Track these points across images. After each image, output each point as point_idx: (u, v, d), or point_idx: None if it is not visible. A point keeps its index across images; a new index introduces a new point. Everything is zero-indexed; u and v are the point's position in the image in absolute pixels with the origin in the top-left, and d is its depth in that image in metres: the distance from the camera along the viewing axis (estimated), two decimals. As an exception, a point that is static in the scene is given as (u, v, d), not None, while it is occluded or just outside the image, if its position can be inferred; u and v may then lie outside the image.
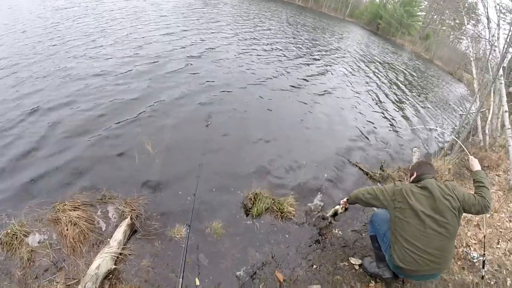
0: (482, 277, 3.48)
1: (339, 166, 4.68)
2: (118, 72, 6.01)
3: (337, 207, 3.13)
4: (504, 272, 3.84)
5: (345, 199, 3.04)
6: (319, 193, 3.98)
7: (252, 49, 9.88)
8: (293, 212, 3.43)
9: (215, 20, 13.21)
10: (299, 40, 13.46)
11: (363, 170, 4.61)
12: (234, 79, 6.94)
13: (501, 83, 7.81)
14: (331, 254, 3.10)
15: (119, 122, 4.45)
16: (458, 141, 5.15)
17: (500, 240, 4.16)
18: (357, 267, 3.02)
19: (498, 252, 3.97)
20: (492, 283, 3.58)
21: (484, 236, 3.48)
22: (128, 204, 3.13)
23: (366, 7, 44.00)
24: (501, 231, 4.36)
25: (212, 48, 8.88)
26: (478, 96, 9.18)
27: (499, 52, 6.14)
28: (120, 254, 2.65)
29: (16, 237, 2.61)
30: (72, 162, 3.65)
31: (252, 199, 3.44)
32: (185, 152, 4.09)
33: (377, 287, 2.90)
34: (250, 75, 7.44)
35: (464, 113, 10.00)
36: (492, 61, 8.67)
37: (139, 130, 4.35)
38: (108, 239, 2.74)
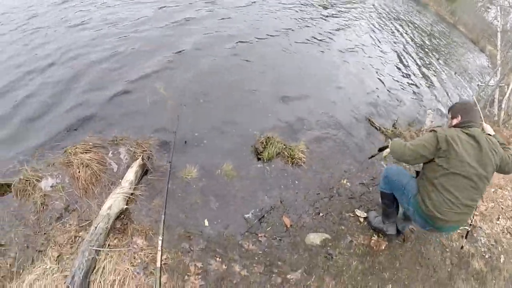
0: (462, 247, 3.62)
1: (354, 121, 4.64)
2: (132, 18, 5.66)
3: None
4: (499, 249, 4.01)
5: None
6: (328, 140, 3.92)
7: None
8: (304, 159, 3.39)
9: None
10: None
11: (375, 126, 4.57)
12: (254, 28, 6.52)
13: None
14: (337, 204, 3.16)
15: (132, 70, 4.38)
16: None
17: (500, 217, 4.28)
18: (361, 220, 3.09)
19: (497, 228, 4.11)
20: (486, 256, 3.72)
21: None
22: (140, 145, 3.12)
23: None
24: (502, 208, 4.48)
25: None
26: (499, 69, 9.04)
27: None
28: (132, 194, 2.69)
29: (29, 183, 2.62)
30: (82, 107, 3.61)
31: (264, 142, 3.45)
32: (200, 98, 4.01)
33: (379, 241, 2.97)
34: (273, 25, 6.99)
35: (483, 84, 9.85)
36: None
37: (154, 76, 4.28)
38: (120, 180, 2.77)
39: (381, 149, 2.92)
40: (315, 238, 2.81)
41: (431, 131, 2.34)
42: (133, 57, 4.59)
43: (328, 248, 2.78)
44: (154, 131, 3.39)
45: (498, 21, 12.41)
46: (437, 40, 14.52)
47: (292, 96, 4.53)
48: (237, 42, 5.53)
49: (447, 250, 3.41)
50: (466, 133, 2.22)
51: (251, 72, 4.87)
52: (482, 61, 16.15)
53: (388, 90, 6.32)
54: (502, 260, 3.92)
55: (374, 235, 3.00)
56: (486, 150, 2.18)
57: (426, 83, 8.25)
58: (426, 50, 11.53)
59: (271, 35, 6.27)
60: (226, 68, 4.71)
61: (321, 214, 3.00)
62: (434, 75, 9.23)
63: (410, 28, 13.46)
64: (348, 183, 3.41)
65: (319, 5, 9.77)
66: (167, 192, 2.44)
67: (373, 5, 13.88)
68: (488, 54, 16.88)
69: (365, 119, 4.75)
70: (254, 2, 7.81)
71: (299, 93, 4.67)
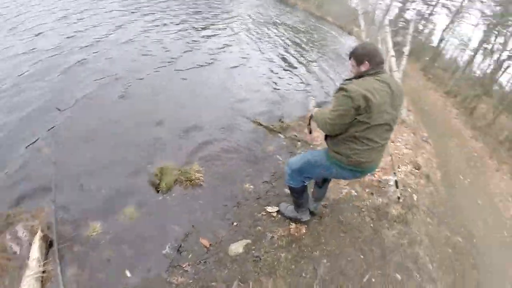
0: (398, 198, 4.11)
1: (245, 127, 4.92)
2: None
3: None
4: (410, 190, 4.60)
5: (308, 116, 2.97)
6: (220, 152, 4.15)
7: (153, 26, 9.10)
8: (202, 178, 3.54)
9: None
10: (198, 11, 13.12)
11: (263, 125, 4.93)
12: (141, 63, 6.40)
13: (386, 31, 9.05)
14: (247, 209, 3.35)
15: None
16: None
17: (400, 165, 4.92)
18: (274, 215, 3.33)
19: (401, 175, 4.72)
20: (401, 201, 4.24)
21: (391, 157, 4.05)
22: (36, 216, 2.90)
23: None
24: (399, 157, 5.17)
25: (105, 35, 7.80)
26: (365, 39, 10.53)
27: (385, 3, 6.97)
28: (44, 272, 2.47)
29: None
30: None
31: (159, 174, 3.45)
32: (88, 145, 3.84)
33: (298, 227, 3.23)
34: (160, 56, 7.02)
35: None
36: (378, 12, 9.99)
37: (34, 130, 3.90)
38: (27, 261, 2.53)
39: (309, 123, 3.10)
40: (237, 248, 2.89)
41: (340, 89, 2.26)
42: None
43: (253, 251, 2.89)
44: (44, 194, 3.16)
45: (359, 6, 14.54)
46: (310, 35, 16.17)
47: (184, 122, 4.56)
48: (124, 82, 5.39)
49: (363, 209, 3.82)
50: (379, 80, 2.25)
51: (141, 107, 4.77)
52: (351, 42, 18.33)
53: (277, 91, 6.81)
54: (415, 198, 4.50)
55: (291, 223, 3.26)
56: (396, 94, 2.31)
57: (309, 75, 9.13)
58: (303, 46, 12.77)
59: (159, 67, 6.28)
60: (114, 110, 4.55)
61: (234, 224, 3.15)
62: (316, 66, 10.26)
63: (285, 29, 14.84)
64: (251, 186, 3.64)
65: (199, 27, 10.20)
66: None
67: (249, 15, 15.00)
68: (355, 35, 19.21)
69: (253, 122, 5.09)
70: (133, 40, 7.73)
71: (191, 117, 4.71)
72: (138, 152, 3.81)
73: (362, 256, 3.23)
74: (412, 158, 5.45)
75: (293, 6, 27.09)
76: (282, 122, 5.19)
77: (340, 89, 2.27)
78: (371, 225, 3.69)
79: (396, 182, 4.06)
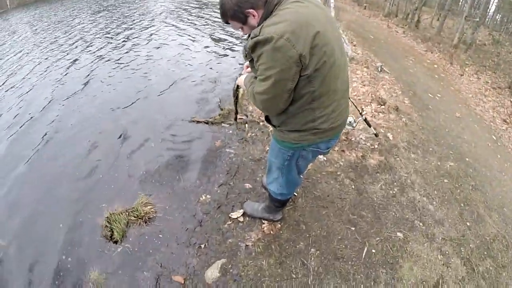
0: (376, 135, 3.69)
1: (180, 130, 4.36)
2: None
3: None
4: (382, 130, 4.19)
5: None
6: (164, 170, 3.63)
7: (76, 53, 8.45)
8: (152, 209, 3.05)
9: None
10: (114, 25, 12.23)
11: (202, 121, 4.42)
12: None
13: None
14: (211, 224, 2.92)
15: None
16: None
17: (363, 106, 4.49)
18: (241, 219, 2.90)
19: (368, 117, 4.27)
20: (376, 146, 3.87)
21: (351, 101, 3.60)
22: None
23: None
24: (359, 98, 4.72)
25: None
26: None
27: None
28: None
29: None
30: None
31: (108, 225, 2.98)
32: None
33: (271, 224, 2.85)
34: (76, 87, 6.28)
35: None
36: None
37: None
38: None
39: (236, 96, 2.37)
40: (213, 272, 2.51)
41: (258, 43, 1.43)
42: None
43: (231, 270, 2.50)
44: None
45: None
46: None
47: (114, 150, 4.02)
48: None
49: (338, 173, 3.40)
50: (298, 1, 1.53)
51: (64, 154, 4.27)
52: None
53: (206, 76, 6.25)
54: (391, 137, 4.12)
55: (263, 222, 2.81)
56: (325, 10, 1.66)
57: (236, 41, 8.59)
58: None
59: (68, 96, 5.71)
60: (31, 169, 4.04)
61: (202, 246, 2.71)
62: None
63: (201, 9, 14.17)
64: (208, 196, 3.17)
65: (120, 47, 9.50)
66: None
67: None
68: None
69: (191, 121, 4.54)
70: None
71: (122, 144, 4.21)
72: (76, 210, 3.29)
73: (353, 228, 2.86)
74: (374, 95, 5.05)
75: None
76: (222, 109, 4.65)
77: (258, 42, 1.43)
78: (353, 186, 3.29)
79: (365, 119, 3.64)
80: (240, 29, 1.67)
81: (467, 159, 4.43)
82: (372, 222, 2.92)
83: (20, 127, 4.90)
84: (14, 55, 9.51)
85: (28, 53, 9.52)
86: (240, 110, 2.56)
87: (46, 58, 8.57)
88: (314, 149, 1.92)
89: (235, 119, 2.68)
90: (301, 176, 2.40)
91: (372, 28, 14.37)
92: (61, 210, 3.29)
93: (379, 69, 6.73)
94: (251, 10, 1.53)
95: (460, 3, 23.50)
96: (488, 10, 19.54)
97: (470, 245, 2.95)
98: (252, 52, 1.49)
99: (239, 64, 6.86)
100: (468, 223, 3.22)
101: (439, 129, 5.06)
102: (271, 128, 4.05)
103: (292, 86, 1.53)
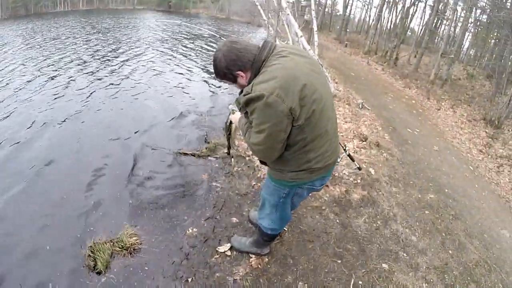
0: (359, 168, 3.83)
1: (166, 163, 4.41)
2: None
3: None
4: (364, 166, 4.35)
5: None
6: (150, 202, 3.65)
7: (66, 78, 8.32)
8: (138, 241, 3.04)
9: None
10: (104, 49, 12.35)
11: (189, 154, 4.51)
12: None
13: (288, 14, 9.00)
14: (197, 257, 2.92)
15: None
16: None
17: (346, 142, 4.67)
18: (229, 253, 2.91)
19: (350, 152, 4.42)
20: (359, 181, 3.99)
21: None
22: None
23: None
24: (342, 135, 4.93)
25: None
26: (272, 30, 10.62)
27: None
28: None
29: None
30: None
31: (91, 254, 2.92)
32: None
33: (259, 258, 2.89)
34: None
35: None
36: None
37: None
38: None
39: (229, 132, 2.52)
40: None
41: (250, 100, 1.59)
42: None
43: None
44: None
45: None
46: (217, 39, 16.10)
47: (97, 182, 4.03)
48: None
49: (323, 207, 3.51)
50: (284, 56, 1.68)
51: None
52: (262, 33, 18.72)
53: (193, 113, 6.36)
54: (373, 171, 4.28)
55: (250, 256, 2.86)
56: (311, 59, 1.82)
57: (220, 83, 8.78)
58: (210, 52, 12.57)
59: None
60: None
61: (190, 279, 2.71)
62: None
63: (193, 41, 14.66)
64: (194, 229, 3.19)
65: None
66: None
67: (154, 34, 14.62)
68: (263, 26, 19.67)
69: (177, 154, 4.61)
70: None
71: (106, 174, 4.18)
72: (57, 237, 3.23)
73: (339, 261, 2.94)
74: (356, 131, 5.28)
75: (197, 15, 27.58)
76: (209, 142, 4.76)
77: (251, 99, 1.58)
78: (337, 221, 3.41)
79: (349, 155, 3.78)
80: (234, 83, 1.85)
81: (446, 190, 4.62)
82: (357, 254, 3.01)
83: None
84: (5, 67, 9.49)
85: (20, 66, 9.53)
86: (233, 145, 2.72)
87: (39, 76, 8.56)
88: (309, 187, 2.05)
89: (228, 153, 2.86)
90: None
91: (353, 65, 15.01)
92: (41, 235, 3.23)
93: (360, 105, 7.03)
94: (239, 72, 1.73)
95: (436, 41, 24.78)
96: (462, 47, 20.63)
97: (454, 272, 3.07)
98: (245, 107, 1.65)
99: (229, 105, 7.00)
100: (450, 251, 3.35)
101: (419, 162, 5.28)
102: (257, 163, 4.17)
103: (285, 137, 1.66)
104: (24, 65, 9.73)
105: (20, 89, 7.50)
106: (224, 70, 1.75)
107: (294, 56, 1.69)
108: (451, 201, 4.35)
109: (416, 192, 4.24)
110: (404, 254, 3.14)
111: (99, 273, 2.80)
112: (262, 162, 2.04)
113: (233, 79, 1.79)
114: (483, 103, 12.07)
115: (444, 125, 9.31)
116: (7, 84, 7.97)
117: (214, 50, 1.80)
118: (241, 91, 1.73)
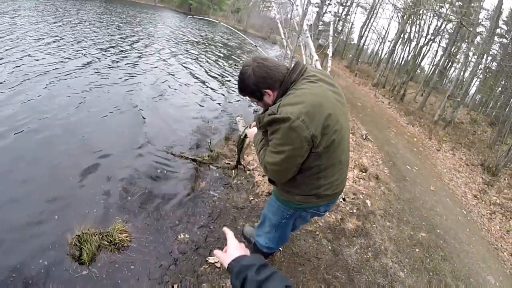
0: (344, 199, 3.86)
1: (167, 164, 4.42)
2: None
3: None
4: (361, 197, 4.40)
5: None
6: (145, 202, 3.64)
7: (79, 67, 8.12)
8: (127, 238, 3.02)
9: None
10: (121, 39, 12.36)
11: (190, 159, 4.50)
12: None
13: (307, 36, 9.18)
14: (186, 264, 2.91)
15: None
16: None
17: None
18: (219, 265, 2.92)
19: (349, 182, 4.49)
20: (354, 211, 4.02)
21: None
22: None
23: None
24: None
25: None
26: (288, 50, 10.74)
27: (301, 9, 6.97)
28: None
29: None
30: None
31: (77, 243, 2.86)
32: None
33: None
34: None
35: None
36: (297, 18, 10.19)
37: None
38: None
39: (242, 145, 2.52)
40: None
41: (274, 121, 1.59)
42: None
43: None
44: None
45: (278, 15, 15.17)
46: (232, 49, 16.31)
47: (97, 173, 3.95)
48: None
49: (317, 232, 3.53)
50: (312, 82, 1.69)
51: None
52: (276, 50, 18.89)
53: (201, 116, 6.44)
54: (369, 203, 4.31)
55: (240, 271, 2.86)
56: (336, 87, 1.81)
57: (227, 92, 8.93)
58: (224, 59, 12.71)
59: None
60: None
61: (175, 286, 2.69)
62: (234, 81, 10.07)
63: (210, 47, 14.79)
64: (186, 235, 3.19)
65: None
66: None
67: (171, 35, 14.67)
68: (279, 44, 19.92)
69: (179, 157, 4.62)
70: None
71: (106, 166, 4.08)
72: (45, 220, 3.17)
73: (327, 288, 2.92)
74: (357, 161, 5.34)
75: (214, 23, 27.89)
76: (212, 151, 4.78)
77: (276, 120, 1.58)
78: (329, 247, 3.42)
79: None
80: (255, 103, 1.89)
81: (438, 230, 4.65)
82: (345, 283, 3.02)
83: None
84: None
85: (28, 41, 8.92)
86: (243, 159, 2.70)
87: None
88: (314, 211, 2.08)
89: (236, 166, 2.84)
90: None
91: (361, 95, 15.16)
92: (29, 218, 3.12)
93: (363, 137, 7.10)
94: (268, 90, 1.73)
95: (444, 82, 25.09)
96: (468, 91, 20.87)
97: (437, 314, 3.08)
98: (268, 126, 1.66)
99: (236, 116, 6.99)
100: (435, 292, 3.37)
101: (414, 200, 5.32)
102: (257, 178, 4.21)
103: (301, 161, 1.67)
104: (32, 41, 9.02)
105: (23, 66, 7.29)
106: (252, 87, 1.74)
107: (323, 84, 1.71)
108: (442, 242, 4.37)
109: (409, 229, 4.27)
110: (391, 289, 3.16)
111: (82, 263, 2.71)
112: (270, 181, 2.02)
113: (259, 97, 1.79)
114: (483, 149, 12.16)
115: (442, 166, 9.36)
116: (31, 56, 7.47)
117: (241, 65, 1.78)
118: (265, 109, 1.74)
